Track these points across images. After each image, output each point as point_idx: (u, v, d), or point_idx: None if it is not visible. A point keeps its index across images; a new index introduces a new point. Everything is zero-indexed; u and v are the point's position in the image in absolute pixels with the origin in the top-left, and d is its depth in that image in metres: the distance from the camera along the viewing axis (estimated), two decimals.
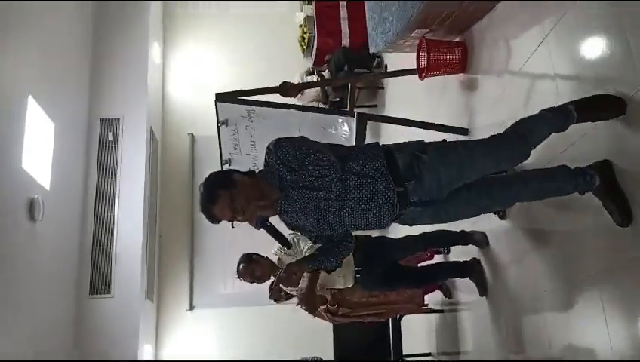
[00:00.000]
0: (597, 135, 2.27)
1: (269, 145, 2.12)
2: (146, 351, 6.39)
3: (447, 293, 4.40)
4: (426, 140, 2.24)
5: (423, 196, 2.13)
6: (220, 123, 4.20)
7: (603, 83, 2.19)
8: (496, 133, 2.27)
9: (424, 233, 3.61)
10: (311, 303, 3.22)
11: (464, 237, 3.63)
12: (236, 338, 6.92)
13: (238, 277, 3.38)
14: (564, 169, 2.23)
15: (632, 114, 2.05)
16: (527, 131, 2.22)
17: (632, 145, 2.07)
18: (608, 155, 2.17)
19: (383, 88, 6.84)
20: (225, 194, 2.06)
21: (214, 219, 2.12)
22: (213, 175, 2.19)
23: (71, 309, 5.82)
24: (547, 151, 2.46)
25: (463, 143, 2.27)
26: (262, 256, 3.41)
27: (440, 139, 2.31)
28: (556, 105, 2.30)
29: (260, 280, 3.34)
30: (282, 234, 2.28)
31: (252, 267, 3.33)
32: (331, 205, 2.09)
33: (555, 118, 2.25)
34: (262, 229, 2.18)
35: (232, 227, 2.83)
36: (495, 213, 3.22)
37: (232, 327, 6.97)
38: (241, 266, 3.37)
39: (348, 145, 2.38)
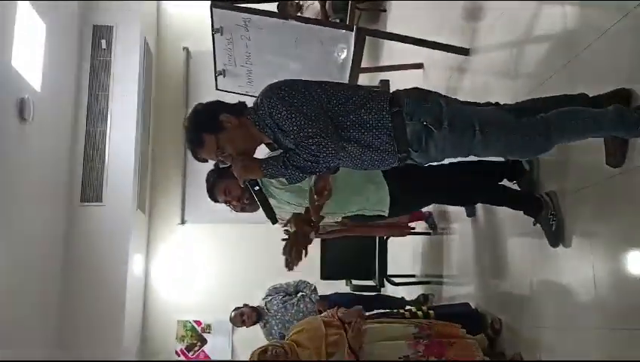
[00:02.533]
0: None
1: (262, 98, 1.91)
2: (136, 260, 6.50)
3: (433, 226, 4.42)
4: (445, 105, 1.94)
5: (424, 162, 2.04)
6: (214, 30, 4.08)
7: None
8: (523, 119, 1.99)
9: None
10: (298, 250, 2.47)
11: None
12: (226, 253, 7.02)
13: (211, 198, 2.72)
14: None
15: None
16: (558, 130, 1.94)
17: None
18: None
19: (385, 11, 6.63)
20: (210, 139, 1.92)
21: (199, 160, 2.01)
22: (199, 109, 2.00)
23: (61, 215, 5.86)
24: None
25: (483, 124, 1.93)
26: None
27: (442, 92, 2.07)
28: (622, 111, 1.91)
29: (238, 200, 2.69)
30: (270, 204, 2.11)
31: (226, 183, 2.65)
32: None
33: (611, 127, 1.91)
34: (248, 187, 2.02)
35: (221, 167, 2.50)
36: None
37: (223, 243, 7.05)
38: (210, 184, 2.71)
39: (351, 91, 2.01)
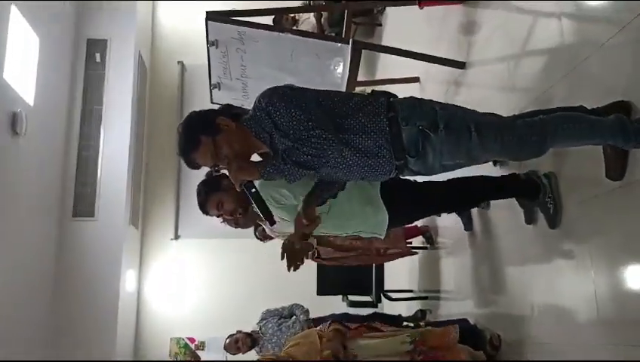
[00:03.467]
0: None
1: (260, 99, 1.87)
2: (129, 276, 6.42)
3: (430, 240, 4.38)
4: (440, 110, 1.92)
5: (422, 170, 1.99)
6: (209, 43, 4.05)
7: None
8: (519, 120, 1.98)
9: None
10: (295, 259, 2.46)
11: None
12: (221, 269, 6.95)
13: (203, 212, 2.61)
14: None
15: None
16: (554, 132, 1.91)
17: None
18: None
19: (380, 25, 6.64)
20: (207, 142, 1.86)
21: (193, 165, 1.93)
22: (193, 115, 1.95)
23: (53, 231, 5.78)
24: None
25: (479, 124, 1.91)
26: (231, 186, 2.53)
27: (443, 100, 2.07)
28: (624, 120, 1.90)
29: (232, 215, 2.59)
30: (269, 209, 2.02)
31: (218, 197, 2.57)
32: (325, 170, 1.94)
33: (610, 135, 1.90)
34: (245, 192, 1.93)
35: (217, 172, 2.47)
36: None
37: (217, 258, 6.98)
38: (201, 198, 2.58)
39: (346, 96, 2.00)
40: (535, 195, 2.52)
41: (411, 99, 1.99)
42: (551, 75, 2.52)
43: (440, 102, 1.99)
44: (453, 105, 2.03)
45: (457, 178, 2.72)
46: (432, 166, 1.96)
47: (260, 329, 4.15)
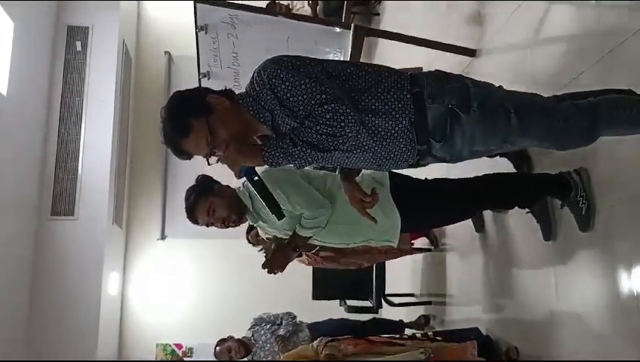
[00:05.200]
0: None
1: (259, 71, 1.56)
2: (112, 278, 6.12)
3: (435, 241, 4.15)
4: (473, 86, 1.64)
5: (448, 157, 1.69)
6: (198, 28, 3.78)
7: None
8: (566, 103, 1.73)
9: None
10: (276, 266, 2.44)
11: None
12: (209, 271, 6.69)
13: (191, 221, 2.45)
14: None
15: None
16: (606, 117, 1.68)
17: None
18: None
19: (378, 15, 6.44)
20: (199, 124, 1.55)
21: (184, 155, 1.62)
22: (179, 95, 1.65)
23: (30, 230, 5.46)
24: None
25: (519, 106, 1.64)
26: (226, 186, 2.47)
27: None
28: None
29: (224, 223, 2.42)
30: (273, 197, 1.72)
31: (210, 201, 2.40)
32: (337, 154, 1.63)
33: None
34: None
35: (209, 164, 2.29)
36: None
37: (206, 260, 6.72)
38: (190, 202, 2.42)
39: (361, 68, 1.66)
40: (566, 194, 2.24)
41: (438, 73, 1.69)
42: (576, 64, 2.30)
43: (472, 78, 1.69)
44: (488, 82, 1.72)
45: (476, 177, 2.45)
46: (459, 152, 1.67)
47: (252, 335, 3.89)
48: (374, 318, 4.46)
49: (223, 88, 1.67)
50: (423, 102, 1.59)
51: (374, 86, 1.59)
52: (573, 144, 1.77)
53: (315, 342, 2.81)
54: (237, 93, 1.66)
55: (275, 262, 2.27)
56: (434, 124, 1.60)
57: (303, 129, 1.50)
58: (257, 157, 1.55)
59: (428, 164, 1.78)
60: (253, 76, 1.59)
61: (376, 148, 1.62)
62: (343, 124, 1.48)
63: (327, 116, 1.47)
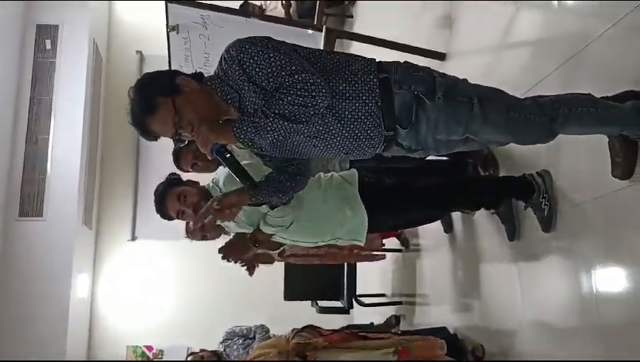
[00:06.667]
0: None
1: (228, 49, 1.59)
2: (81, 280, 6.02)
3: (405, 242, 4.19)
4: (439, 77, 1.68)
5: (413, 145, 1.73)
6: (169, 28, 3.76)
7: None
8: (528, 99, 1.77)
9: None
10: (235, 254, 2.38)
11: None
12: (181, 273, 6.61)
13: (160, 214, 2.44)
14: None
15: None
16: (567, 114, 1.72)
17: None
18: None
19: (351, 17, 6.48)
20: (166, 104, 1.57)
21: (150, 135, 1.63)
22: (148, 75, 1.67)
23: None
24: None
25: (482, 97, 1.69)
26: (193, 182, 2.50)
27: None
28: None
29: (195, 210, 2.36)
30: (247, 172, 1.70)
31: (181, 189, 2.41)
32: (303, 140, 1.66)
33: (627, 122, 1.74)
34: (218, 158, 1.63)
35: (175, 146, 2.32)
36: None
37: (178, 262, 6.60)
38: (161, 191, 2.42)
39: (329, 52, 1.75)
40: (530, 195, 2.31)
41: (405, 63, 1.73)
42: (544, 67, 2.35)
43: (439, 71, 1.74)
44: (454, 76, 1.77)
45: (443, 180, 2.53)
46: (424, 140, 1.71)
47: (224, 350, 3.84)
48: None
49: (194, 72, 1.70)
50: (390, 88, 1.63)
51: (342, 69, 1.63)
52: (532, 138, 1.81)
53: (288, 332, 2.85)
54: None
55: (230, 250, 2.25)
56: (400, 109, 1.64)
57: (274, 101, 1.52)
58: (229, 134, 1.57)
59: (393, 155, 1.82)
60: (221, 55, 1.61)
61: (344, 131, 1.65)
62: (314, 93, 1.51)
63: (298, 86, 1.50)
